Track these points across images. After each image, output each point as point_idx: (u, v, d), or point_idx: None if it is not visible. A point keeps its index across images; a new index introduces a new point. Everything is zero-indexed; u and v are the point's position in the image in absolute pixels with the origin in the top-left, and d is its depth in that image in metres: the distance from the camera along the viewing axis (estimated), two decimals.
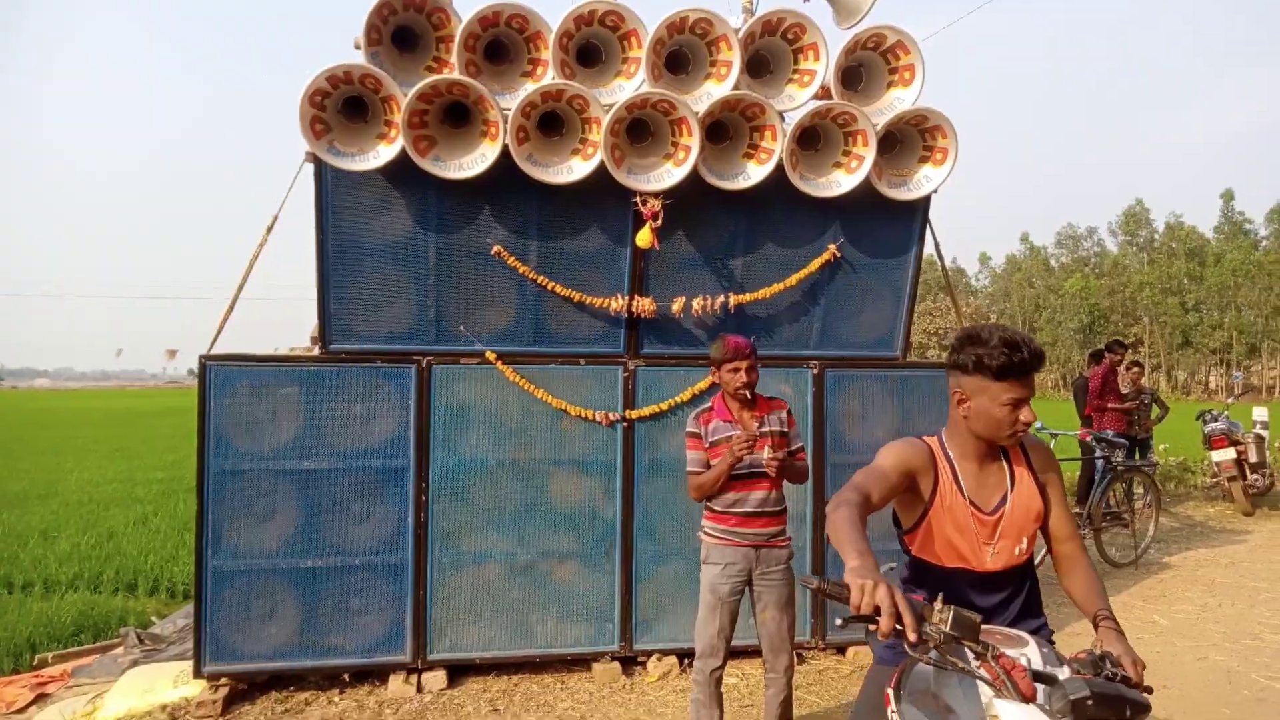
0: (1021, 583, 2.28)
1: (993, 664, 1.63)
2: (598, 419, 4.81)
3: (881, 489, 2.08)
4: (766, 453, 3.49)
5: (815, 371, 5.08)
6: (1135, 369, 9.56)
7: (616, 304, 4.82)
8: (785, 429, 3.72)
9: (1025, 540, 2.23)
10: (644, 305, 4.84)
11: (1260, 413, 11.48)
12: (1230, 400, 12.05)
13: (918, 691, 1.90)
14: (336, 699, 4.47)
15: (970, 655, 1.66)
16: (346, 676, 4.62)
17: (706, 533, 3.72)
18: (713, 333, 5.01)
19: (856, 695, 2.29)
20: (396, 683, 4.56)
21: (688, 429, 3.71)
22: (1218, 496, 10.53)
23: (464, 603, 4.70)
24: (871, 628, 1.59)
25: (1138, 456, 9.06)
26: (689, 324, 5.01)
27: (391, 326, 4.75)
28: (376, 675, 4.66)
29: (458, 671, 4.73)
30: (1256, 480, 9.92)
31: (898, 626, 1.55)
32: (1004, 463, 2.26)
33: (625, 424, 4.85)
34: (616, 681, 4.69)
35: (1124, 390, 9.29)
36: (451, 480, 4.70)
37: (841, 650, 5.12)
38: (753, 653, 3.88)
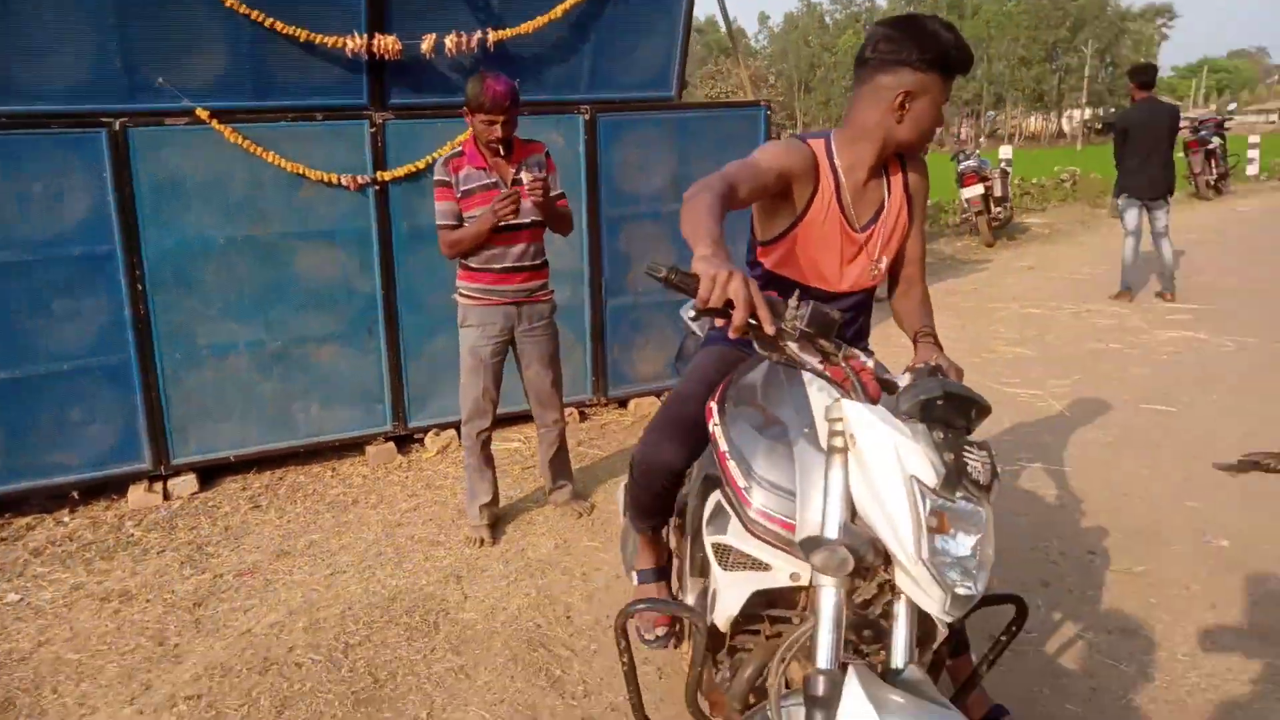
0: (867, 304, 2.12)
1: (843, 365, 1.49)
2: (344, 183, 4.22)
3: (753, 185, 1.79)
4: (526, 179, 3.15)
5: (587, 117, 4.67)
6: None
7: (353, 44, 4.10)
8: (544, 174, 3.36)
9: (885, 259, 2.04)
10: (386, 45, 4.16)
11: (1006, 151, 12.37)
12: (982, 140, 12.84)
13: (744, 404, 1.75)
14: (66, 519, 3.97)
15: (818, 357, 1.52)
16: (75, 494, 4.09)
17: (462, 293, 3.41)
18: (472, 75, 4.43)
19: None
20: (138, 493, 4.10)
21: (435, 176, 3.29)
22: (965, 231, 11.41)
23: (208, 400, 4.21)
24: (720, 323, 1.39)
25: None
26: (443, 66, 4.39)
27: (67, 80, 3.83)
28: (114, 488, 4.17)
29: (212, 473, 4.32)
30: (999, 213, 10.78)
31: (751, 321, 1.35)
32: (884, 177, 2.02)
33: (377, 187, 4.30)
34: (392, 461, 4.48)
35: None
36: (173, 264, 4.04)
37: (623, 403, 5.14)
38: (531, 417, 3.74)
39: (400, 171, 4.32)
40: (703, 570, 1.85)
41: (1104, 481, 3.81)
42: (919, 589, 1.30)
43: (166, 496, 4.13)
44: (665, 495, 2.08)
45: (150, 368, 4.05)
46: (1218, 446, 4.08)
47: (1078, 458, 4.09)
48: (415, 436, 4.67)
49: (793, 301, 1.44)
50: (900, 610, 1.38)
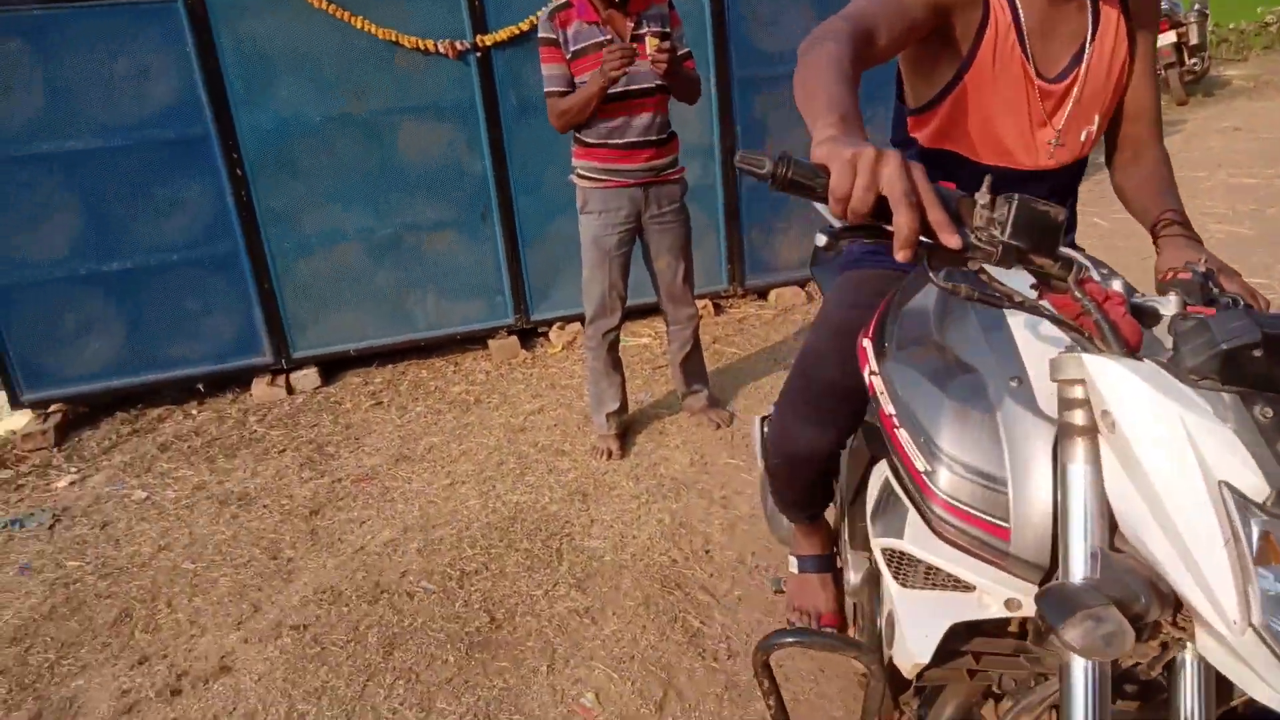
0: (1072, 185, 1.51)
1: (1078, 294, 0.88)
2: (441, 50, 3.77)
3: (895, 26, 1.20)
4: (650, 46, 2.62)
5: None
6: None
7: None
8: (668, 28, 2.82)
9: (1097, 119, 1.41)
10: None
11: None
12: None
13: (914, 343, 1.17)
14: (194, 411, 3.90)
15: (1027, 283, 0.94)
16: (201, 387, 4.01)
17: (580, 174, 2.96)
18: None
19: (811, 325, 1.62)
20: (261, 386, 3.97)
21: (540, 34, 2.79)
22: None
23: (323, 291, 3.98)
24: (867, 241, 0.87)
25: None
26: None
27: None
28: (239, 382, 4.07)
29: (333, 367, 4.15)
30: (1194, 64, 9.30)
31: (922, 239, 0.83)
32: (1087, 1, 1.34)
33: (479, 54, 3.83)
34: (516, 357, 4.18)
35: None
36: (272, 146, 3.75)
37: (763, 294, 4.64)
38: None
39: (502, 35, 3.82)
40: (866, 546, 1.36)
41: None
42: (1245, 668, 0.76)
43: (290, 390, 3.99)
44: (819, 483, 1.59)
45: (260, 257, 3.84)
46: None
47: None
48: (540, 330, 4.35)
49: (981, 195, 0.84)
50: (1188, 665, 0.85)
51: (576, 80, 2.78)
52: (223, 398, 4.00)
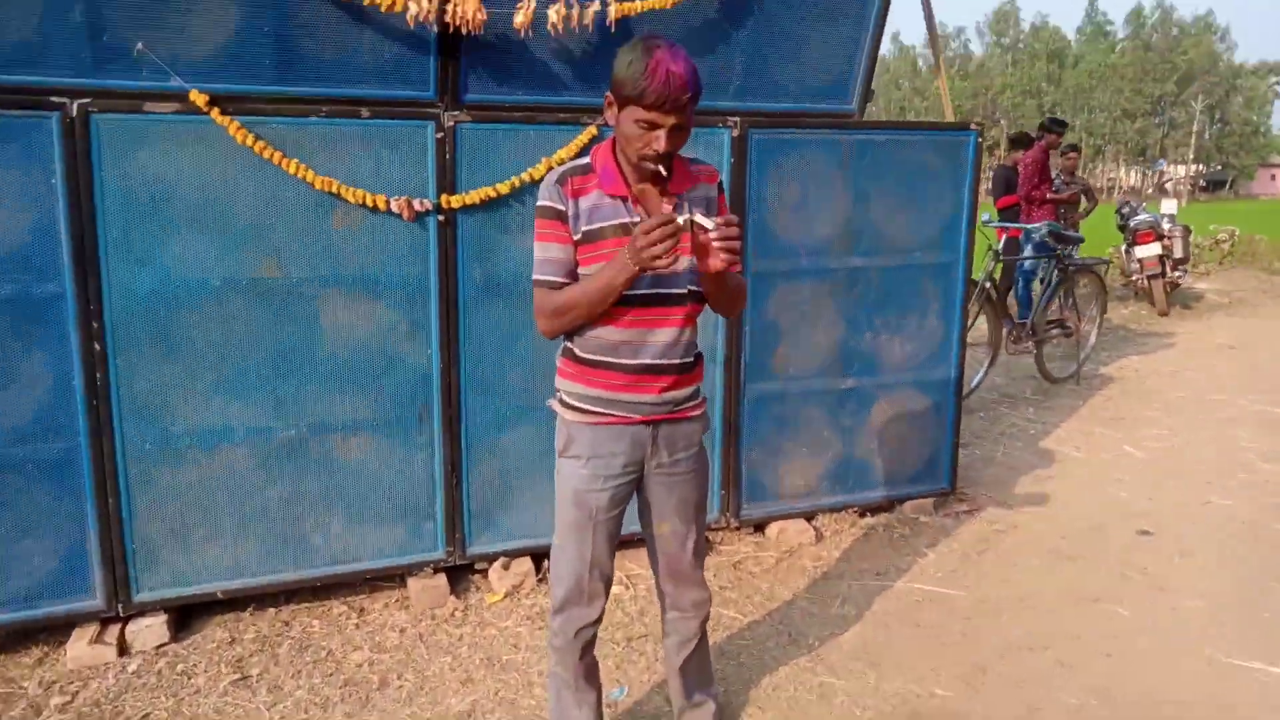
0: None
1: None
2: (394, 209, 2.94)
3: None
4: (708, 229, 1.79)
5: (736, 132, 3.33)
6: (1071, 154, 8.27)
7: (419, 7, 2.84)
8: (733, 224, 2.01)
9: None
10: (467, 11, 2.88)
11: (1170, 205, 10.61)
12: (1151, 191, 11.15)
13: None
14: None
15: None
16: None
17: (566, 402, 2.05)
18: (582, 66, 3.16)
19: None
20: (81, 645, 2.81)
21: (542, 201, 1.95)
22: (1129, 296, 9.72)
23: (189, 509, 2.93)
24: None
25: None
26: (542, 50, 3.12)
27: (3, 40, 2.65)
28: (53, 635, 2.91)
29: (192, 612, 3.05)
30: (1178, 276, 9.10)
31: None
32: None
33: (442, 218, 3.00)
34: (443, 606, 3.13)
35: (1052, 177, 8.01)
36: (147, 314, 2.79)
37: (760, 528, 3.72)
38: (638, 542, 2.33)
39: (474, 197, 3.02)
40: None
41: None
42: None
43: (122, 650, 2.85)
44: None
45: (108, 461, 2.80)
46: None
47: None
48: (476, 567, 3.33)
49: None
50: None
51: (581, 271, 1.94)
52: (23, 658, 2.82)
